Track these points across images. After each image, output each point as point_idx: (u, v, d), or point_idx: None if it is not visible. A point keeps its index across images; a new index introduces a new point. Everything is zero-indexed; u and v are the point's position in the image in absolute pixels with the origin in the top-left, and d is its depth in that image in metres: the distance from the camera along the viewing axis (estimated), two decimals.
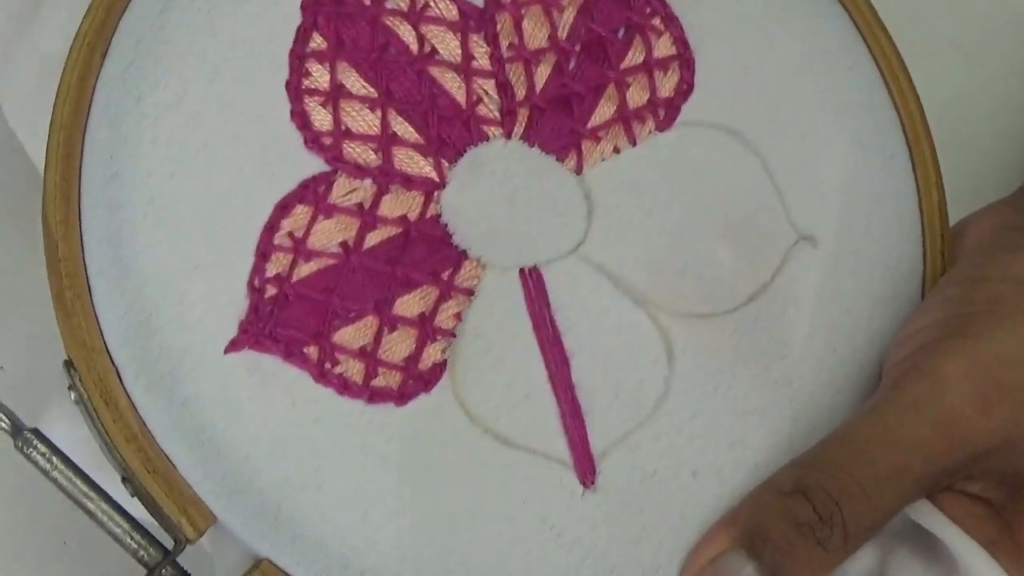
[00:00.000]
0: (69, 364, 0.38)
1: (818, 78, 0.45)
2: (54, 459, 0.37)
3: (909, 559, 0.42)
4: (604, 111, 0.44)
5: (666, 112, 0.44)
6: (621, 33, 0.44)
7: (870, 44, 0.46)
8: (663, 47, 0.45)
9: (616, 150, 0.44)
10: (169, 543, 0.38)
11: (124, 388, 0.38)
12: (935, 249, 0.45)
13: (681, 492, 0.41)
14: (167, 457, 0.38)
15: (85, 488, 0.38)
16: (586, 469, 0.41)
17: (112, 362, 0.39)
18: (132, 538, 0.38)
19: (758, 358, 0.43)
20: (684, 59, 0.45)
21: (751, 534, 0.39)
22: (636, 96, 0.44)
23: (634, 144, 0.44)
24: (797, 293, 0.43)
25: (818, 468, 0.40)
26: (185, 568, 0.38)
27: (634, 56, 0.44)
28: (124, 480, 0.38)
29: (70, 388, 0.38)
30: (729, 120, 0.44)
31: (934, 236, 0.45)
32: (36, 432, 0.38)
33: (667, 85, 0.44)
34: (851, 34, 0.46)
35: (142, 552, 0.38)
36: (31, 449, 0.37)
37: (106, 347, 0.39)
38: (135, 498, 0.38)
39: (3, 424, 0.37)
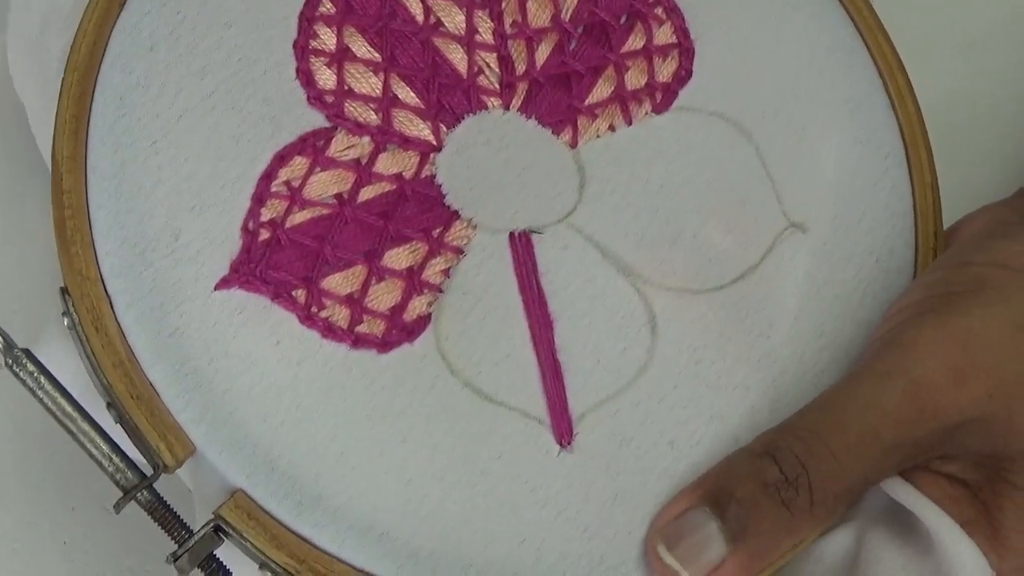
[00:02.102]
0: (64, 291, 0.40)
1: (818, 75, 0.46)
2: (41, 379, 0.39)
3: (885, 538, 0.42)
4: (601, 90, 0.45)
5: (663, 96, 0.45)
6: (623, 19, 0.46)
7: (870, 45, 0.47)
8: (664, 35, 0.46)
9: (612, 128, 0.45)
10: (149, 472, 0.39)
11: (115, 316, 0.40)
12: (927, 247, 0.46)
13: (659, 460, 0.41)
14: (151, 385, 0.39)
15: (69, 409, 0.39)
16: (563, 429, 0.41)
17: (105, 291, 0.40)
18: (111, 461, 0.38)
19: (743, 336, 0.43)
20: (684, 48, 0.46)
21: (717, 492, 0.40)
22: (634, 79, 0.45)
23: (630, 123, 0.45)
24: (785, 277, 0.44)
25: (788, 432, 0.40)
26: (163, 496, 0.39)
27: (634, 41, 0.46)
28: (109, 406, 0.39)
29: (64, 314, 0.39)
30: (726, 108, 0.45)
31: (927, 234, 0.46)
32: (27, 352, 0.39)
33: (666, 71, 0.46)
34: (852, 34, 0.47)
35: (120, 475, 0.38)
36: (20, 368, 0.39)
37: (101, 276, 0.40)
38: (119, 425, 0.39)
39: None
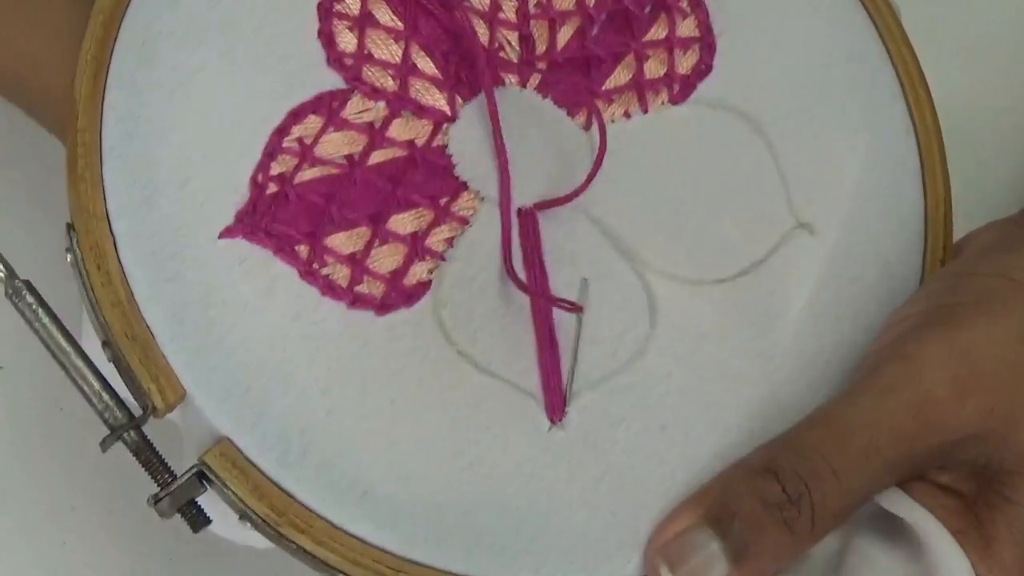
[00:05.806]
0: (70, 227, 0.40)
1: (838, 80, 0.46)
2: (39, 311, 0.39)
3: (873, 541, 0.42)
4: (620, 77, 0.45)
5: (681, 87, 0.45)
6: (648, 9, 0.46)
7: (892, 53, 0.47)
8: (687, 28, 0.46)
9: (627, 115, 0.45)
10: (139, 413, 0.39)
11: (117, 256, 0.40)
12: (935, 258, 0.45)
13: (648, 443, 0.41)
14: (147, 327, 0.39)
15: (64, 344, 0.39)
16: (555, 405, 0.41)
17: (110, 230, 0.40)
18: (101, 398, 0.38)
19: (742, 330, 0.43)
20: (706, 42, 0.46)
21: (719, 511, 0.39)
22: (653, 68, 0.45)
23: (646, 111, 0.45)
24: (789, 276, 0.44)
25: (790, 448, 0.39)
26: (150, 439, 0.39)
27: (657, 31, 0.46)
28: (104, 344, 0.39)
29: (67, 250, 0.40)
30: (743, 105, 0.46)
31: (936, 245, 0.46)
32: (27, 284, 0.39)
33: (686, 63, 0.46)
34: (874, 41, 0.47)
35: (108, 414, 0.38)
36: (19, 299, 0.39)
37: (107, 216, 0.40)
38: (113, 364, 0.39)
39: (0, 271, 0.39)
